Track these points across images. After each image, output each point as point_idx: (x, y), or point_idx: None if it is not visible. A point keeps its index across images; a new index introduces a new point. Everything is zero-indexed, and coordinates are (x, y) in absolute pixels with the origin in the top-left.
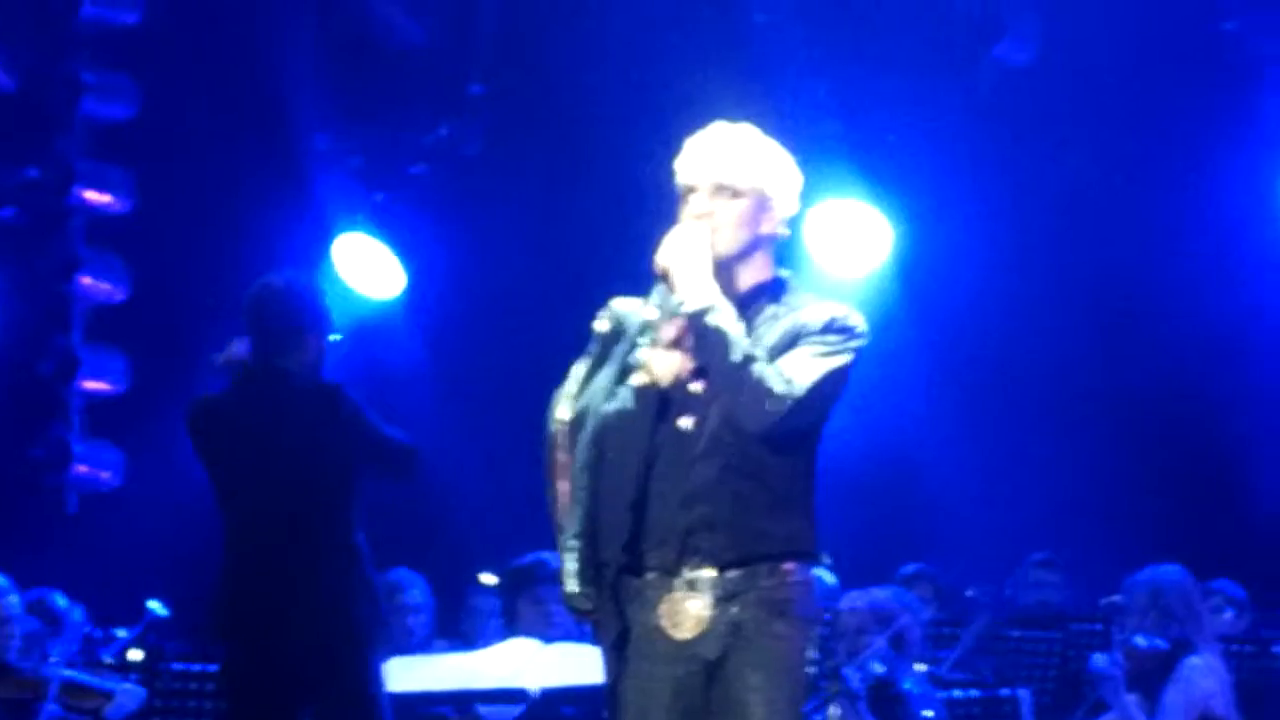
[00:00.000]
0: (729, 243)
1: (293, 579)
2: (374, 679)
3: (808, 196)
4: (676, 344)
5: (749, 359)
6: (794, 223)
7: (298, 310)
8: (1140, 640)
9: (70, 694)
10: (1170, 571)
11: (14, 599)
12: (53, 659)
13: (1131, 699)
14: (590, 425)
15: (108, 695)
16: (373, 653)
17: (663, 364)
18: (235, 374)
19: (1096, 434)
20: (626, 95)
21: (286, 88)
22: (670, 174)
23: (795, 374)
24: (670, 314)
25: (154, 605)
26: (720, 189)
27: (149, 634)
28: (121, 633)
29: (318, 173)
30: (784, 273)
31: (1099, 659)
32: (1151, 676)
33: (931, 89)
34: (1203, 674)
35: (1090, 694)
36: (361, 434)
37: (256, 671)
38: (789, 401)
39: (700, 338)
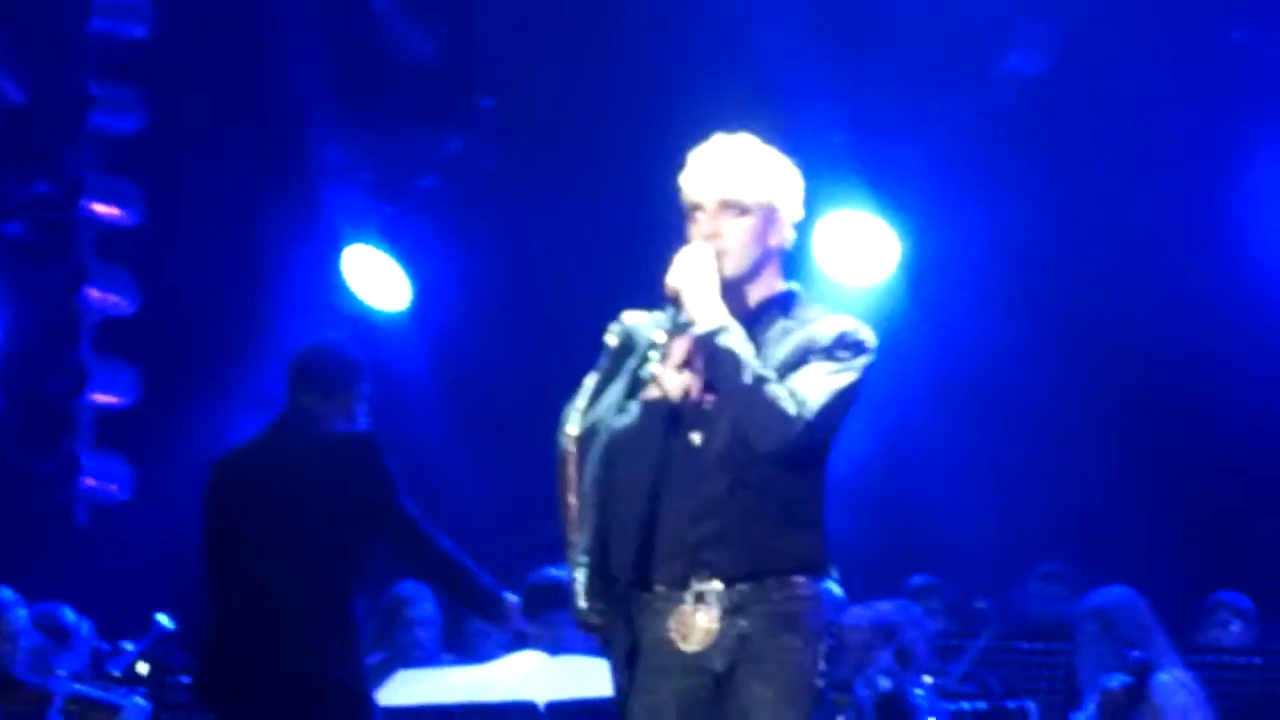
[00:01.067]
0: (738, 263)
1: (299, 639)
2: (363, 703)
3: (816, 208)
4: (687, 363)
5: (761, 380)
6: (802, 232)
7: (337, 366)
8: (1109, 682)
9: (77, 708)
10: (1116, 595)
11: (22, 613)
12: (60, 673)
13: None
14: (600, 440)
15: (115, 709)
16: (357, 687)
17: (673, 381)
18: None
19: (1103, 445)
20: (636, 108)
21: (296, 101)
22: (677, 189)
23: (807, 394)
24: (681, 333)
25: (161, 619)
26: (726, 206)
27: (156, 647)
28: (129, 646)
29: (327, 185)
30: (793, 285)
31: (1079, 718)
32: (1128, 700)
33: (940, 100)
34: (1173, 691)
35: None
36: (383, 487)
37: (250, 703)
38: (801, 424)
39: (711, 358)
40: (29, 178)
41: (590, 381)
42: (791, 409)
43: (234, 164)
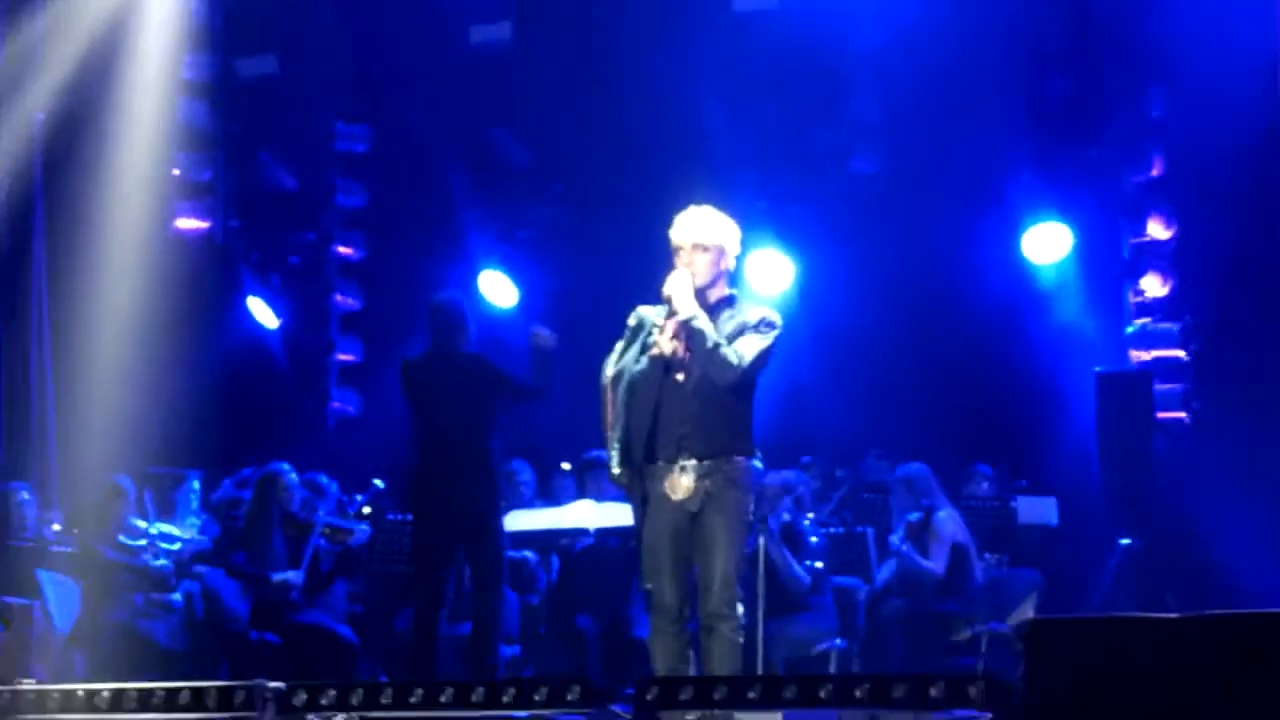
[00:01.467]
0: (703, 277)
1: (459, 470)
2: (500, 527)
3: (746, 246)
4: (675, 335)
5: (717, 345)
6: (739, 260)
7: (457, 311)
8: (910, 517)
9: (329, 531)
10: (914, 467)
11: (295, 477)
12: (319, 512)
13: (913, 551)
14: (625, 379)
15: (350, 531)
16: (497, 512)
17: (667, 345)
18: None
19: (916, 380)
20: (646, 188)
21: (454, 191)
22: (666, 236)
23: (744, 352)
24: (672, 319)
25: (377, 481)
26: (697, 246)
27: (373, 498)
28: (359, 498)
29: (471, 233)
30: (734, 291)
31: (893, 538)
32: (919, 534)
33: (817, 183)
34: (947, 521)
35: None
36: (504, 375)
37: (434, 521)
38: (740, 369)
39: (689, 333)
40: (300, 231)
41: (619, 346)
42: (734, 360)
43: (418, 223)
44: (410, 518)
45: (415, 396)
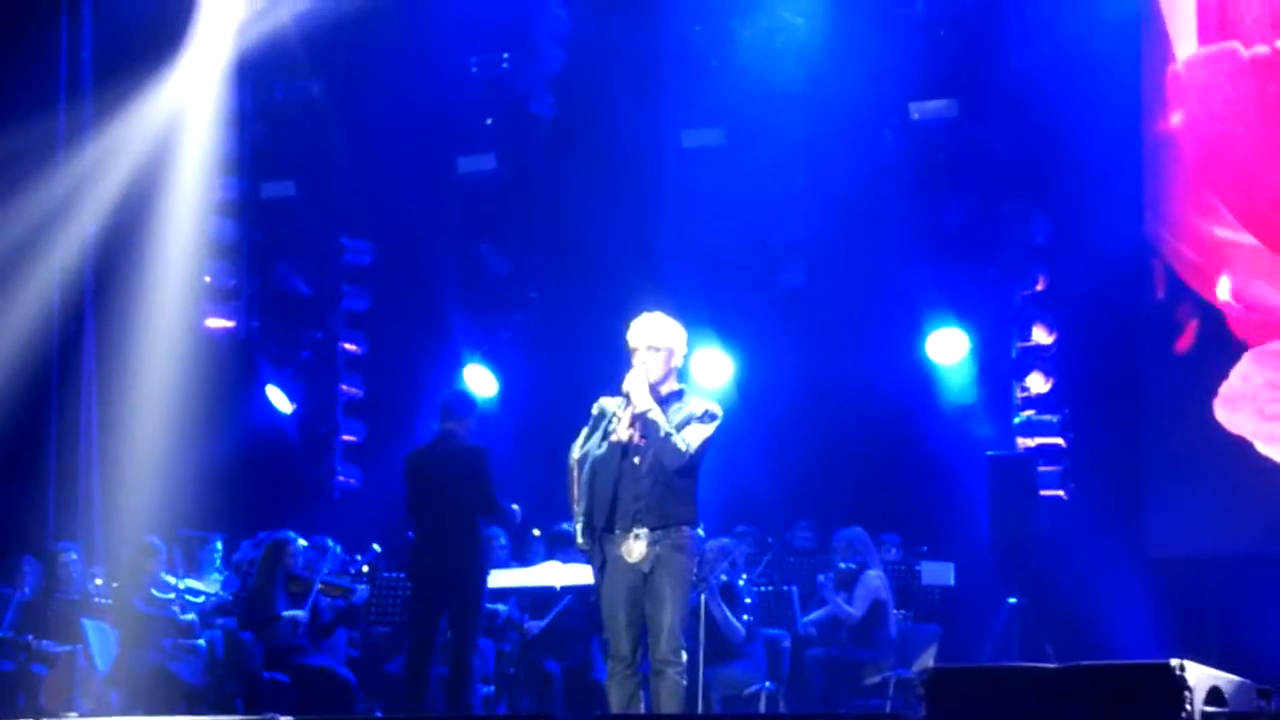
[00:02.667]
0: (655, 374)
1: (452, 547)
2: (482, 591)
3: (691, 346)
4: (631, 425)
5: (669, 434)
6: (686, 360)
7: (465, 404)
8: (842, 565)
9: (326, 588)
10: (854, 530)
11: (301, 542)
12: (320, 572)
13: (839, 595)
14: (589, 461)
15: (351, 591)
16: (481, 584)
17: (624, 432)
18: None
19: (837, 459)
20: (605, 291)
21: (444, 296)
22: (623, 337)
23: (691, 441)
24: (630, 411)
25: (375, 546)
26: (650, 348)
27: (372, 560)
28: (359, 558)
29: (458, 332)
30: (682, 385)
31: (821, 576)
32: (849, 583)
33: (746, 296)
34: (873, 579)
35: (818, 592)
36: (487, 485)
37: (428, 584)
38: (687, 455)
39: (645, 423)
40: (311, 330)
41: (583, 432)
42: (683, 448)
43: (409, 324)
44: (403, 576)
45: (418, 479)
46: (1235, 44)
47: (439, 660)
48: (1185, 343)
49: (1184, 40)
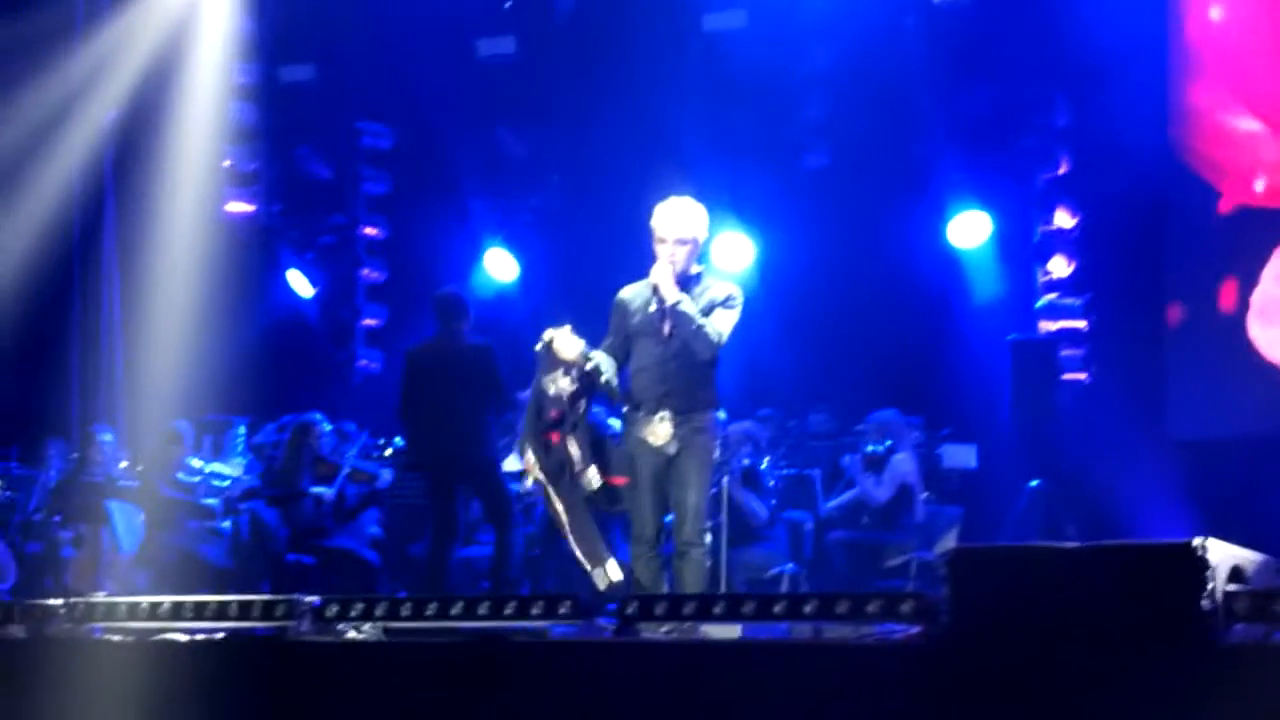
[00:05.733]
0: (681, 265)
1: (464, 438)
2: (499, 472)
3: (713, 229)
4: (662, 316)
5: (700, 326)
6: (706, 243)
7: (459, 302)
8: (870, 447)
9: (355, 474)
10: (886, 412)
11: (326, 426)
12: (348, 455)
13: (867, 477)
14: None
15: (375, 475)
16: (500, 469)
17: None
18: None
19: (859, 343)
20: (633, 185)
21: (464, 181)
22: (644, 219)
23: (720, 328)
24: (660, 302)
25: (398, 439)
26: (679, 240)
27: (396, 450)
28: (382, 441)
29: (478, 217)
30: (701, 268)
31: (846, 458)
32: (878, 465)
33: (773, 175)
34: (903, 462)
35: (844, 475)
36: (499, 379)
37: (440, 470)
38: (720, 343)
39: (676, 315)
40: (332, 215)
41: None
42: (714, 337)
43: (430, 209)
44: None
45: (423, 376)
46: None
47: (463, 542)
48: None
49: None
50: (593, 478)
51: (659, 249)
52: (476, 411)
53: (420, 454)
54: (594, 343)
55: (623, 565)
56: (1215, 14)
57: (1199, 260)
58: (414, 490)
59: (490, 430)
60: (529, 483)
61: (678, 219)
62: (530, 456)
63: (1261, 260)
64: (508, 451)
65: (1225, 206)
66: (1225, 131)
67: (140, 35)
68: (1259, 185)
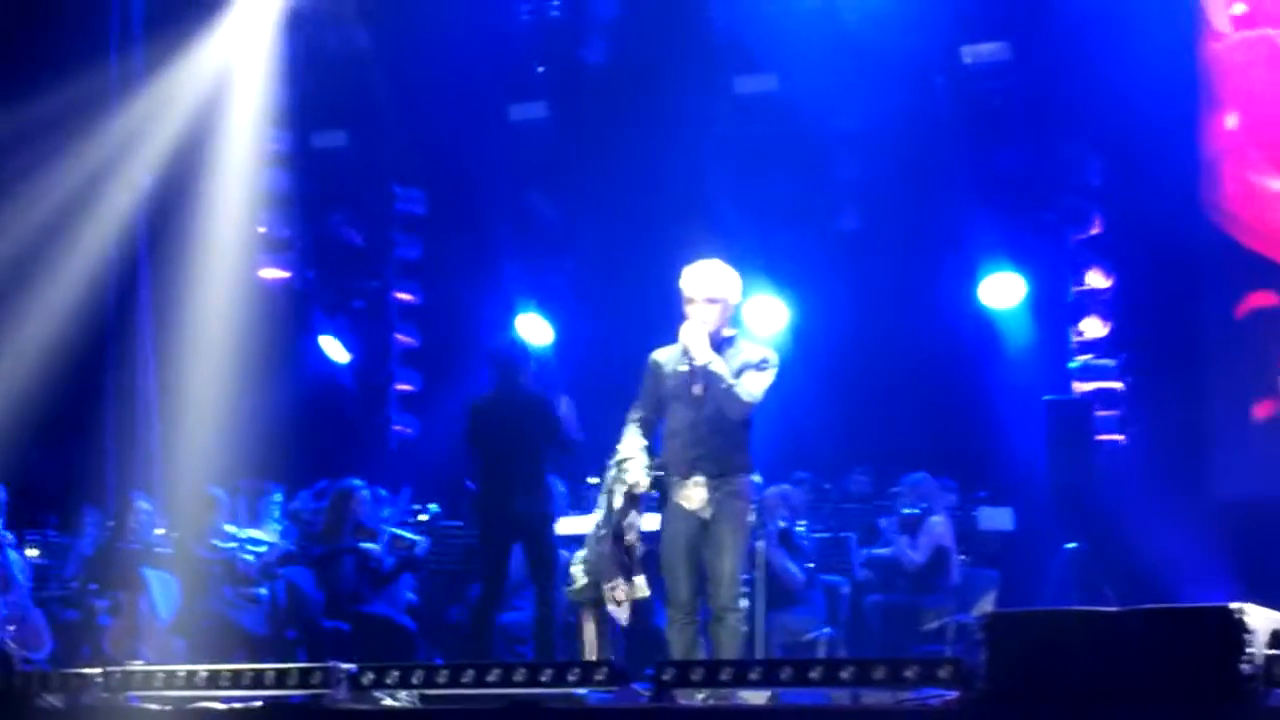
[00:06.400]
0: (713, 326)
1: (524, 494)
2: (553, 535)
3: (745, 292)
4: (694, 378)
5: (731, 386)
6: (738, 306)
7: (520, 353)
8: (906, 510)
9: (395, 541)
10: (919, 475)
11: (365, 492)
12: (385, 519)
13: (902, 539)
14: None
15: (413, 543)
16: (553, 531)
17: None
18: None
19: (893, 405)
20: (662, 249)
21: (496, 245)
22: (675, 283)
23: (752, 389)
24: (690, 363)
25: (433, 506)
26: (708, 300)
27: (432, 516)
28: (417, 508)
29: (511, 281)
30: (735, 331)
31: (882, 520)
32: (913, 528)
33: (806, 237)
34: (938, 525)
35: (881, 537)
36: (558, 424)
37: (496, 525)
38: (751, 405)
39: (707, 375)
40: (365, 280)
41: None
42: (746, 398)
43: (464, 277)
44: (461, 525)
45: (483, 432)
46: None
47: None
48: (1244, 307)
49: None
50: (641, 585)
51: (689, 310)
52: (536, 464)
53: (482, 506)
54: (627, 404)
55: (658, 631)
56: (1228, 75)
57: (1237, 318)
58: (450, 558)
59: (549, 485)
60: (624, 616)
61: (705, 279)
62: (620, 585)
63: None
64: (565, 504)
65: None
66: (1254, 191)
67: (174, 102)
68: None
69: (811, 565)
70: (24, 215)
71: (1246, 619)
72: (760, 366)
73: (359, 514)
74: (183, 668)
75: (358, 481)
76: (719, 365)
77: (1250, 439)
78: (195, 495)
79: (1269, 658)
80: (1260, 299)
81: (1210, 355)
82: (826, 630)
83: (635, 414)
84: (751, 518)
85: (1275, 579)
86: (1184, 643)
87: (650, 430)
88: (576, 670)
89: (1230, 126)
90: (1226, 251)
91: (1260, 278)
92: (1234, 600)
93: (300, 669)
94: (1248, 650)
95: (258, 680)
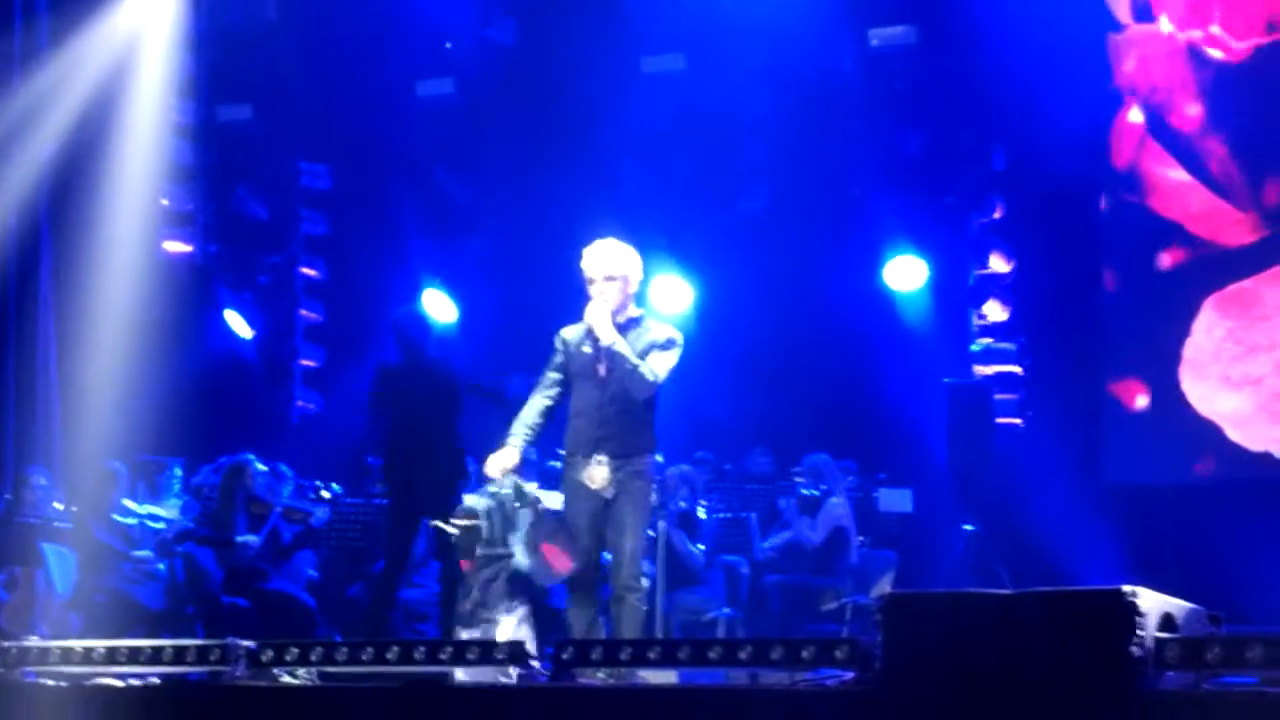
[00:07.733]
0: (614, 304)
1: (429, 458)
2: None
3: (651, 272)
4: (598, 357)
5: (635, 367)
6: (643, 285)
7: (422, 323)
8: (805, 491)
9: (288, 512)
10: (820, 456)
11: (261, 466)
12: (282, 494)
13: (802, 520)
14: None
15: (309, 513)
16: (458, 492)
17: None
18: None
19: (795, 386)
20: (562, 217)
21: (403, 222)
22: (578, 267)
23: (657, 369)
24: (595, 343)
25: (335, 485)
26: (607, 277)
27: (334, 494)
28: (318, 484)
29: (416, 258)
30: (641, 311)
31: (782, 501)
32: (812, 509)
33: (711, 217)
34: (836, 507)
35: (780, 518)
36: (471, 381)
37: (407, 498)
38: (656, 385)
39: (611, 355)
40: (270, 255)
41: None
42: (650, 378)
43: (369, 253)
44: (363, 502)
45: (390, 399)
46: (1168, 27)
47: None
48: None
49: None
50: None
51: (590, 290)
52: (442, 434)
53: (389, 481)
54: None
55: (557, 611)
56: (1129, 65)
57: (1135, 305)
58: (351, 533)
59: (458, 456)
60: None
61: (603, 258)
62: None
63: (1192, 311)
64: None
65: (1165, 262)
66: (1156, 181)
67: (79, 73)
68: (1190, 235)
69: (708, 546)
70: None
71: (1138, 602)
72: (665, 346)
73: (251, 488)
74: (80, 643)
75: (250, 456)
76: (623, 346)
77: (1144, 425)
78: (94, 470)
79: (1159, 640)
80: (1174, 255)
81: (1107, 338)
82: (726, 610)
83: (539, 389)
84: (654, 498)
85: (1166, 562)
86: (1077, 625)
87: (554, 406)
88: (476, 649)
89: (1132, 119)
90: (1135, 218)
91: (1169, 236)
92: (1126, 583)
93: (198, 645)
94: (1139, 633)
95: (155, 656)
